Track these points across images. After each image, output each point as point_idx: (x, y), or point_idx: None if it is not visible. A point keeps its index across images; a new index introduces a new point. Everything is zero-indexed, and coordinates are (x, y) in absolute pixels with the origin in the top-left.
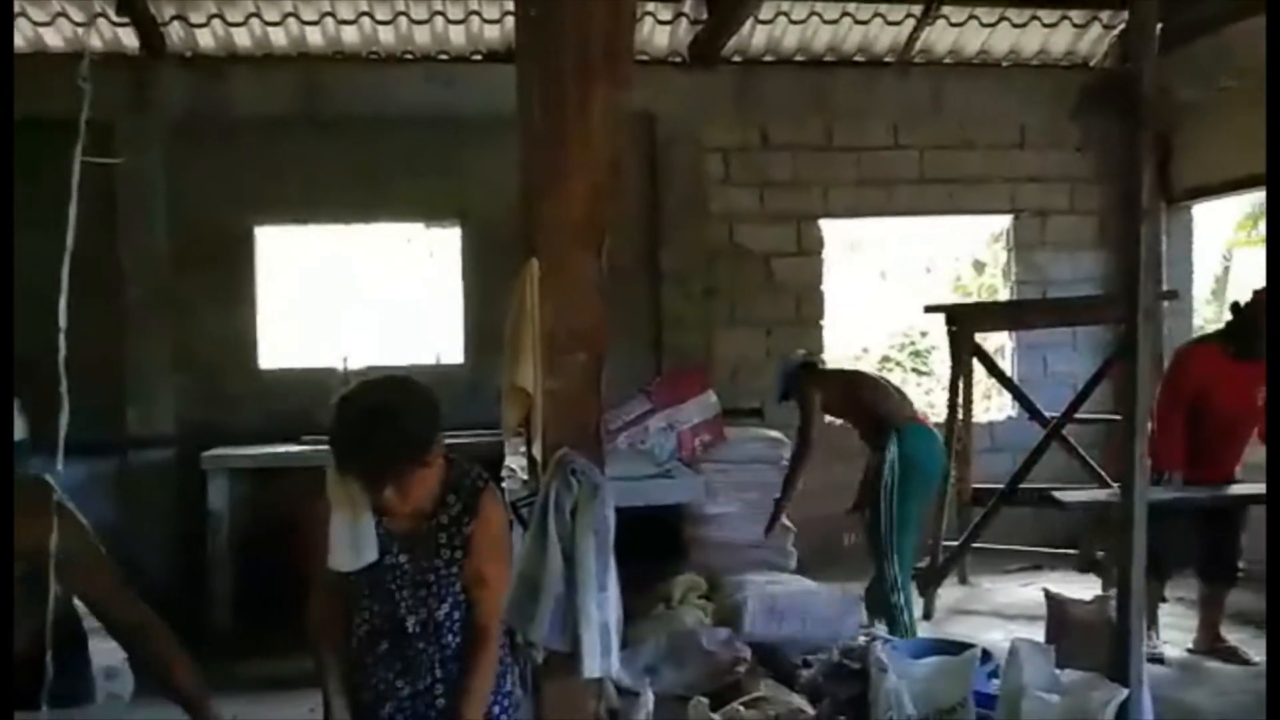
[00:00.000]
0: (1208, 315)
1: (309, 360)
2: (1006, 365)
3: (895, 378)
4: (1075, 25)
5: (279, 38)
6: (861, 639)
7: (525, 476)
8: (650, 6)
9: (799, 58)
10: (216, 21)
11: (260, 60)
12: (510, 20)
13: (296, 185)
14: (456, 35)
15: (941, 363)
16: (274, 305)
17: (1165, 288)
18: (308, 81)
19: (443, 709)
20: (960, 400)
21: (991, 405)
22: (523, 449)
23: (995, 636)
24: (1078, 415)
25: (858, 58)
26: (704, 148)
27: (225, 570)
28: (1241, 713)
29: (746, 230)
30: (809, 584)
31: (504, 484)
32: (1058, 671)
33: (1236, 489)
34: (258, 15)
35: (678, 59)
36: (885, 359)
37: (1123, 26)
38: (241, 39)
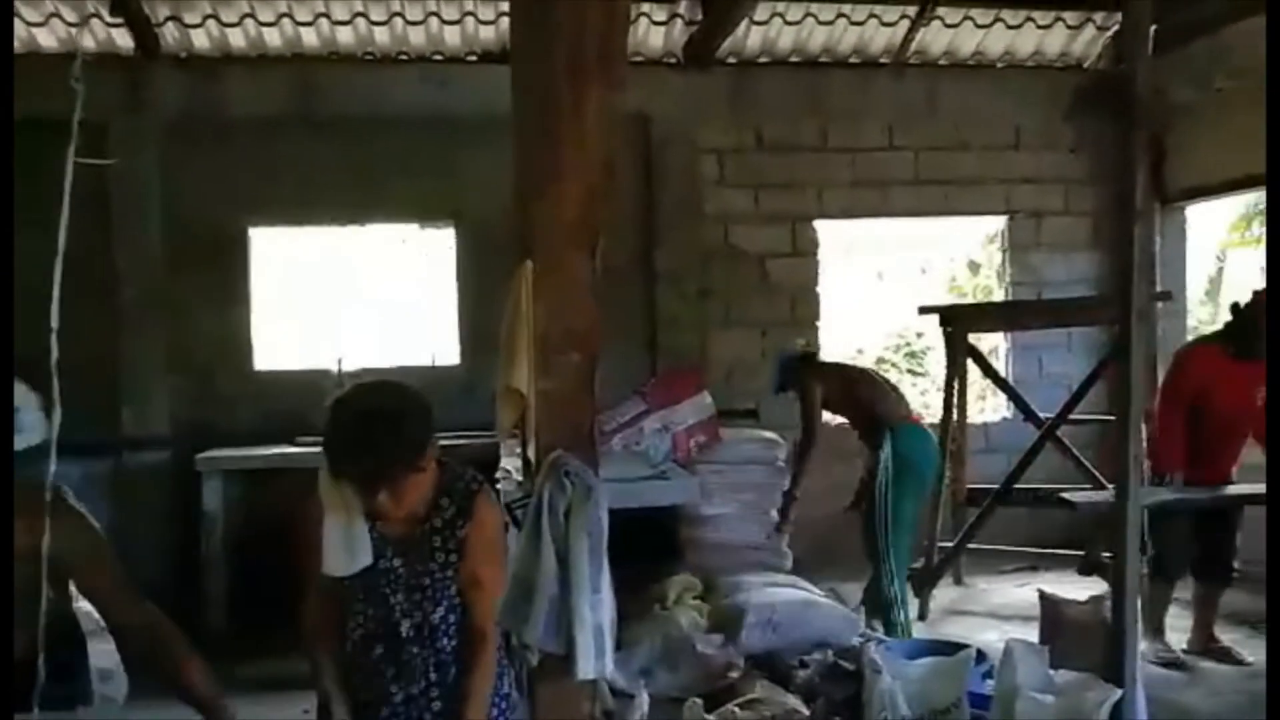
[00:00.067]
0: (1202, 316)
1: (304, 361)
2: (1001, 366)
3: (891, 378)
4: (1069, 27)
5: (274, 38)
6: (857, 640)
7: (520, 478)
8: (645, 7)
9: (794, 59)
10: (211, 22)
11: (255, 61)
12: (505, 21)
13: (291, 186)
14: (451, 36)
15: (937, 364)
16: (269, 306)
17: (1159, 289)
18: (302, 82)
19: (439, 712)
20: (955, 401)
21: (986, 406)
22: (518, 450)
23: (990, 637)
24: (1072, 416)
25: (853, 59)
26: (699, 149)
27: (220, 571)
28: (1235, 713)
29: (741, 231)
30: (808, 592)
31: (499, 485)
32: (1052, 672)
33: (1236, 489)
34: (252, 16)
35: (673, 60)
36: (880, 360)
37: (1116, 28)
38: (236, 39)
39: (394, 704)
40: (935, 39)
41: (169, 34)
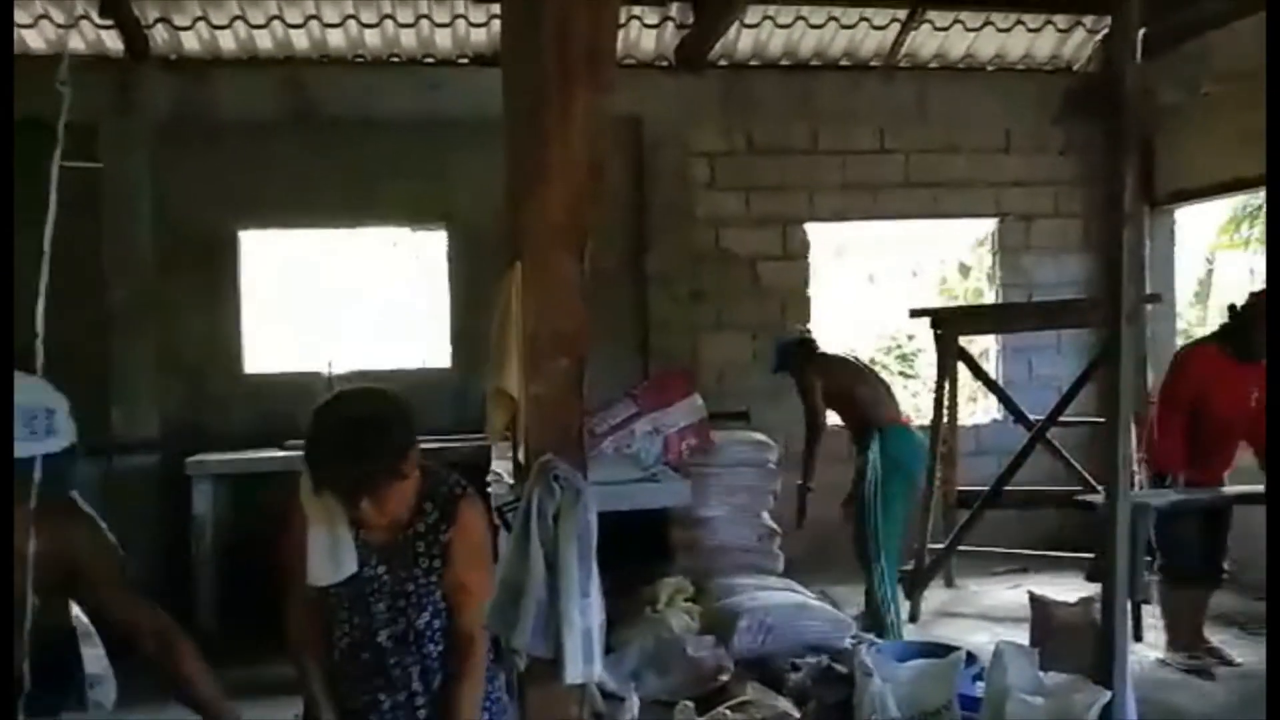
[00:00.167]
0: (1191, 319)
1: (294, 364)
2: (992, 368)
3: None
4: (1059, 30)
5: (264, 41)
6: (848, 642)
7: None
8: (637, 11)
9: (785, 62)
10: (201, 24)
11: (245, 63)
12: (496, 24)
13: (281, 189)
14: (442, 39)
15: (927, 366)
16: (259, 309)
17: (1148, 291)
18: (293, 85)
19: (427, 718)
20: (946, 403)
21: (977, 408)
22: (509, 453)
23: (980, 639)
24: (1062, 418)
25: (843, 62)
26: (690, 151)
27: (209, 575)
28: (1225, 713)
29: (732, 234)
30: (800, 595)
31: (491, 488)
32: (1041, 674)
33: (1237, 489)
34: (243, 18)
35: (664, 63)
36: (872, 361)
37: (1106, 31)
38: (226, 42)
39: (382, 711)
40: (925, 42)
41: (159, 36)
